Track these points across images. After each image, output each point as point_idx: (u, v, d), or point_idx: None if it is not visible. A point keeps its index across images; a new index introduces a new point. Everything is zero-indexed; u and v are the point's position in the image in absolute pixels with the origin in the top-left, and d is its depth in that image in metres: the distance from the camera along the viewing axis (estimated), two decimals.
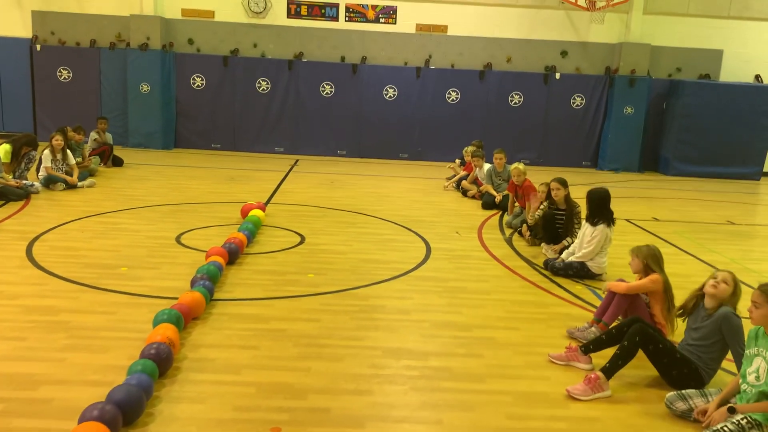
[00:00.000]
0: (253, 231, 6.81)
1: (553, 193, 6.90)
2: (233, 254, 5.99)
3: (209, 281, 5.11)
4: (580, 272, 6.18)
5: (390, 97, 14.38)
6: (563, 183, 6.89)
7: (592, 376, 3.87)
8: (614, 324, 4.44)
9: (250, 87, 14.13)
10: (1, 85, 13.97)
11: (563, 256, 6.41)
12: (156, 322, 4.24)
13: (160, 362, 3.72)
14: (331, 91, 14.26)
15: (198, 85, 14.09)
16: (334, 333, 4.57)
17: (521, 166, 8.38)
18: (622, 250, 4.90)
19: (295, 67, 14.12)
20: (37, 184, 8.73)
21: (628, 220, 9.14)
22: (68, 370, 3.78)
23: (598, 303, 5.37)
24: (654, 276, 4.62)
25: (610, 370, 3.89)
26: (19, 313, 4.56)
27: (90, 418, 3.01)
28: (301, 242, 6.94)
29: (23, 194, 8.23)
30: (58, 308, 4.71)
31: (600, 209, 6.07)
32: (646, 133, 14.56)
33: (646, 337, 3.93)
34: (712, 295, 3.94)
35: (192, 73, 14.03)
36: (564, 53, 14.57)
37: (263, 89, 14.17)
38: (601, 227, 6.06)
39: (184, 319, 4.42)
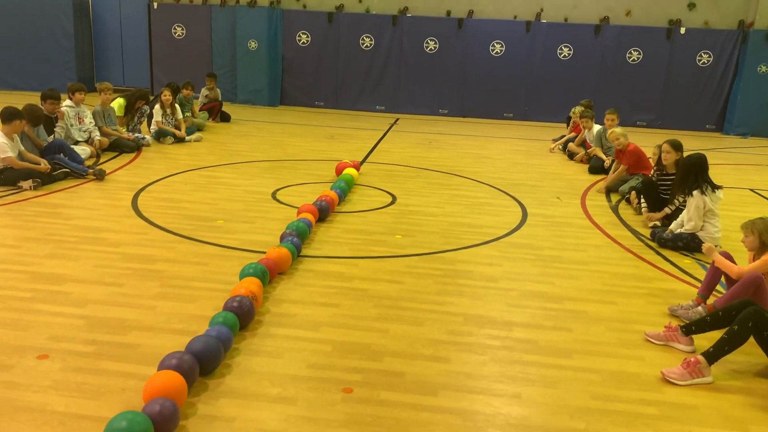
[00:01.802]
0: (345, 189, 6.80)
1: (663, 156, 6.36)
2: (324, 212, 6.01)
3: (297, 238, 5.14)
4: (690, 244, 5.69)
5: (497, 53, 13.83)
6: (675, 146, 6.33)
7: (692, 359, 3.54)
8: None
9: (354, 44, 14.06)
10: (123, 41, 14.74)
11: (672, 227, 5.93)
12: (242, 276, 4.32)
13: (242, 315, 3.78)
14: (435, 47, 13.92)
15: (303, 42, 14.19)
16: (415, 296, 4.47)
17: (618, 129, 7.88)
18: (741, 221, 4.42)
19: (399, 23, 13.87)
20: (148, 137, 9.16)
21: (752, 190, 8.33)
22: (157, 317, 3.93)
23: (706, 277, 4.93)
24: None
25: (713, 356, 3.53)
26: (119, 260, 4.80)
27: (168, 366, 3.10)
28: (393, 203, 6.85)
29: (135, 147, 8.67)
30: (155, 257, 4.91)
31: (689, 176, 5.57)
32: None
33: (761, 322, 3.51)
34: None
35: (298, 30, 14.14)
36: (691, 5, 13.34)
37: (366, 46, 14.06)
38: (695, 194, 5.55)
39: (269, 273, 4.47)
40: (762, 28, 12.90)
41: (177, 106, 9.69)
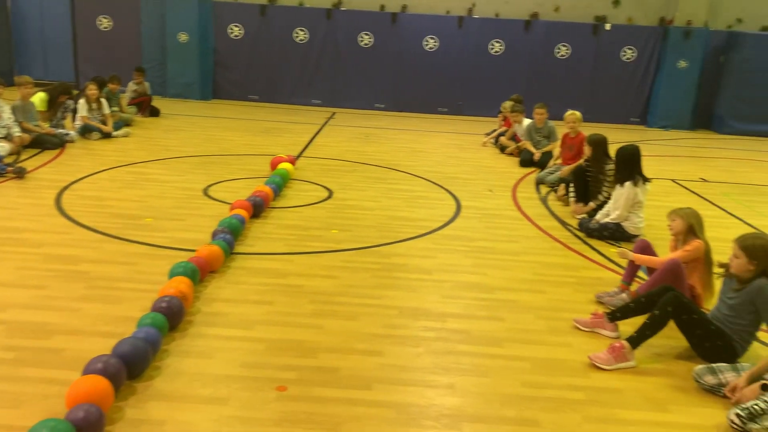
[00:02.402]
0: (280, 184, 6.72)
1: (586, 149, 6.57)
2: (258, 207, 5.92)
3: (230, 235, 5.05)
4: (616, 234, 5.91)
5: (431, 48, 13.94)
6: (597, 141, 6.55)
7: (617, 344, 3.68)
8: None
9: (288, 37, 13.89)
10: (44, 33, 14.09)
11: (598, 217, 6.14)
12: (172, 275, 4.22)
13: (171, 316, 3.69)
14: (370, 42, 13.91)
15: (236, 35, 13.91)
16: (351, 291, 4.47)
17: (578, 113, 7.88)
18: (664, 211, 4.62)
19: (334, 16, 13.78)
20: (72, 133, 8.79)
21: (673, 180, 8.72)
22: (82, 320, 3.79)
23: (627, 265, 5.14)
24: (698, 243, 4.34)
25: (636, 340, 3.68)
26: (42, 262, 4.60)
27: (93, 370, 2.99)
28: (329, 197, 6.83)
29: (58, 143, 8.30)
30: (79, 258, 4.73)
31: (624, 167, 5.77)
32: (700, 89, 13.76)
33: (679, 306, 3.69)
34: (733, 273, 3.67)
35: (230, 22, 13.84)
36: (616, 2, 13.80)
37: (301, 39, 13.91)
38: (627, 186, 5.76)
39: (200, 272, 4.38)
40: (681, 24, 13.48)
41: (103, 100, 9.33)
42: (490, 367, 3.59)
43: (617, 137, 10.92)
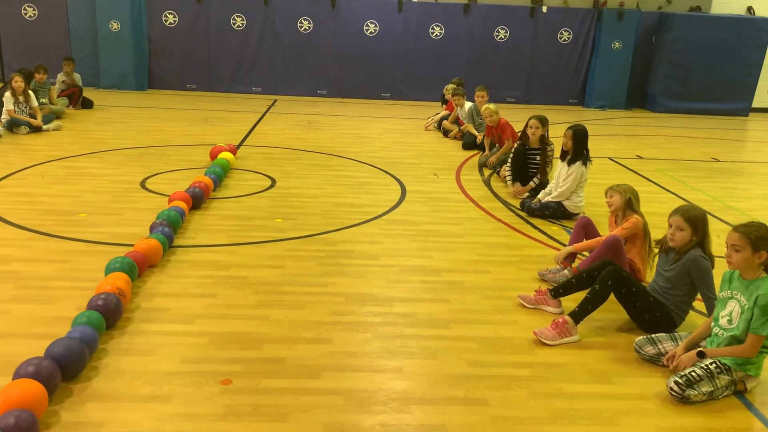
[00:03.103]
0: (220, 174, 6.56)
1: (530, 131, 6.65)
2: (197, 199, 5.77)
3: (169, 227, 4.90)
4: (557, 212, 6.02)
5: (371, 33, 13.85)
6: (543, 122, 6.64)
7: (560, 320, 3.74)
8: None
9: (225, 24, 13.55)
10: None
11: (539, 196, 6.23)
12: (108, 271, 4.06)
13: (108, 313, 3.55)
14: (309, 27, 13.71)
15: (170, 23, 13.49)
16: (297, 280, 4.40)
17: (492, 106, 8.14)
18: (603, 189, 4.71)
19: (271, 2, 13.51)
20: None
21: (610, 158, 8.94)
22: (12, 322, 3.61)
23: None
24: (636, 218, 4.45)
25: (578, 315, 3.75)
26: None
27: (25, 374, 2.85)
28: (272, 186, 6.71)
29: None
30: (8, 257, 4.50)
31: (579, 147, 5.86)
32: (634, 69, 14.16)
33: (619, 280, 3.77)
34: (674, 246, 3.77)
35: (164, 10, 13.40)
36: None
37: (238, 26, 13.60)
38: (576, 165, 5.86)
39: (138, 267, 4.24)
40: (614, 6, 13.79)
41: (30, 93, 8.91)
42: (437, 348, 3.59)
43: (557, 118, 11.15)
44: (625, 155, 9.25)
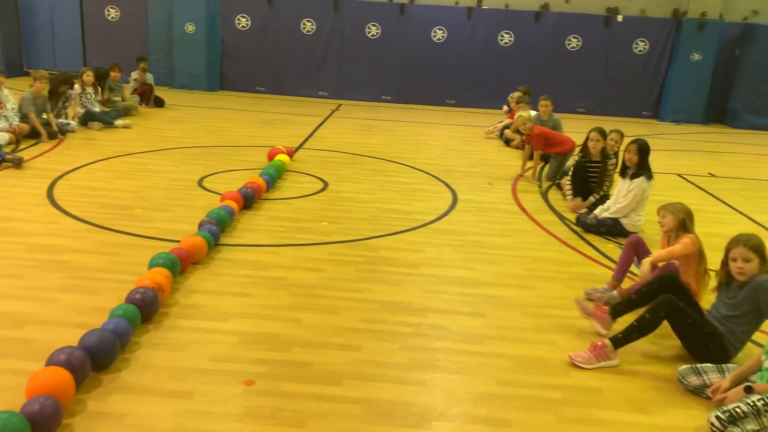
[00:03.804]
0: (274, 176, 6.65)
1: (590, 144, 6.42)
2: (248, 199, 5.86)
3: (216, 226, 4.99)
4: (613, 230, 5.77)
5: (438, 39, 13.79)
6: (603, 134, 6.40)
7: (599, 343, 3.57)
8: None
9: (295, 28, 13.82)
10: (53, 23, 14.13)
11: (596, 212, 6.00)
12: (151, 266, 4.17)
13: (144, 307, 3.63)
14: (377, 33, 13.79)
15: (243, 26, 13.87)
16: (334, 284, 4.39)
17: (525, 113, 7.85)
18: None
19: (341, 7, 13.68)
20: (73, 122, 8.80)
21: (679, 175, 8.53)
22: (56, 310, 3.75)
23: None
24: (692, 238, 4.20)
25: (621, 341, 3.56)
26: (24, 251, 4.57)
27: (57, 362, 2.95)
28: (323, 189, 6.75)
29: (53, 133, 8.25)
30: (62, 247, 4.70)
31: (644, 162, 5.60)
32: (714, 82, 13.49)
33: (673, 312, 3.53)
34: (744, 279, 3.51)
35: (237, 13, 13.79)
36: None
37: (308, 30, 13.83)
38: (638, 180, 5.60)
39: (182, 263, 4.33)
40: (695, 17, 13.20)
41: (97, 86, 9.41)
42: (466, 364, 3.49)
43: (630, 131, 10.69)
44: (696, 172, 8.81)
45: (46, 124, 8.26)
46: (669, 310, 3.54)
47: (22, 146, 7.75)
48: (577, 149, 7.07)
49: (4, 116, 7.95)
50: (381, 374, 3.34)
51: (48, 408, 2.66)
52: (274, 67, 14.06)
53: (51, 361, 2.97)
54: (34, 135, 8.07)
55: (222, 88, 14.13)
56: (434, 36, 13.77)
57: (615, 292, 4.38)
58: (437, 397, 3.19)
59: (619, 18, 13.54)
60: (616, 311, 3.89)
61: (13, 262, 4.37)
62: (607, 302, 4.28)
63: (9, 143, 7.66)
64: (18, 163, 6.79)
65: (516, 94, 10.51)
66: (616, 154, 6.74)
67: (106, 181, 6.53)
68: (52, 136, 8.17)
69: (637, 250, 4.43)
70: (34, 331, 3.50)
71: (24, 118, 8.07)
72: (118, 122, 9.22)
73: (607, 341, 3.56)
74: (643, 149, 5.58)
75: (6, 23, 13.67)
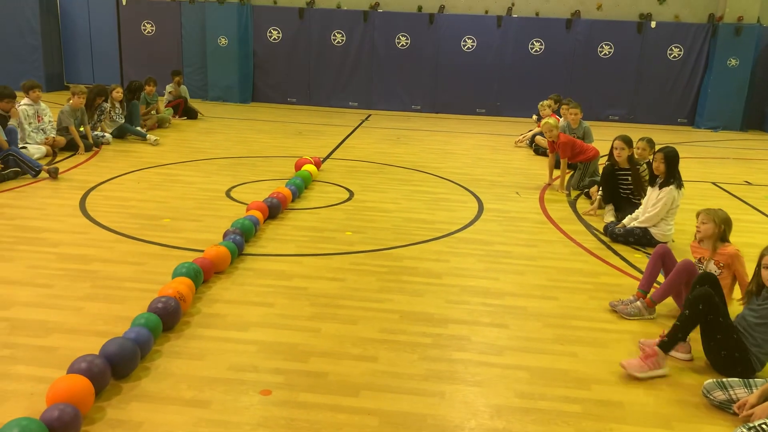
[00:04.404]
0: (300, 186, 6.71)
1: (616, 153, 6.31)
2: (274, 209, 5.92)
3: (240, 236, 5.05)
4: (642, 240, 5.66)
5: (468, 48, 13.78)
6: (628, 143, 6.30)
7: (650, 351, 3.48)
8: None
9: (325, 40, 13.96)
10: (92, 38, 14.55)
11: (625, 221, 5.89)
12: (174, 275, 4.23)
13: (166, 316, 3.69)
14: (407, 43, 13.84)
15: (274, 38, 14.07)
16: (355, 294, 4.40)
17: (551, 120, 7.73)
18: (693, 215, 4.35)
19: (371, 18, 13.78)
20: (108, 135, 9.01)
21: (714, 183, 8.32)
22: (82, 319, 3.84)
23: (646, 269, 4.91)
24: (737, 250, 4.09)
25: (668, 344, 3.48)
26: (54, 261, 4.70)
27: (78, 369, 3.01)
28: (349, 199, 6.78)
29: (89, 145, 8.47)
30: (91, 257, 4.80)
31: (672, 169, 5.48)
32: (752, 87, 13.19)
33: (710, 305, 3.44)
34: None
35: (269, 26, 14.01)
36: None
37: (338, 42, 13.95)
38: (668, 189, 5.47)
39: (205, 273, 4.39)
40: (731, 21, 12.92)
41: (123, 104, 9.64)
42: (485, 376, 3.45)
43: (664, 138, 10.56)
44: (732, 180, 8.59)
45: (83, 137, 8.49)
46: (706, 303, 3.43)
47: (58, 158, 7.97)
48: (604, 158, 6.96)
49: (42, 129, 8.20)
50: (398, 385, 3.32)
51: (67, 415, 2.71)
52: (305, 79, 14.21)
53: (72, 369, 3.03)
54: (70, 147, 8.30)
55: (254, 99, 14.34)
56: (464, 45, 13.75)
57: (639, 303, 4.28)
58: (454, 409, 3.15)
59: (653, 24, 13.33)
60: (665, 344, 3.59)
61: (43, 272, 4.49)
62: (630, 312, 4.20)
63: (46, 155, 7.90)
64: (54, 174, 6.98)
65: (546, 102, 10.41)
66: (649, 163, 6.60)
67: (137, 192, 6.67)
68: (88, 148, 8.39)
69: (665, 260, 4.33)
70: (60, 339, 3.58)
71: (63, 131, 8.31)
72: (149, 138, 9.31)
73: (656, 348, 3.48)
74: (669, 158, 5.46)
75: (48, 39, 14.14)
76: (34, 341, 3.55)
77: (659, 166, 5.51)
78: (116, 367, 3.17)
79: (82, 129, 8.58)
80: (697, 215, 4.27)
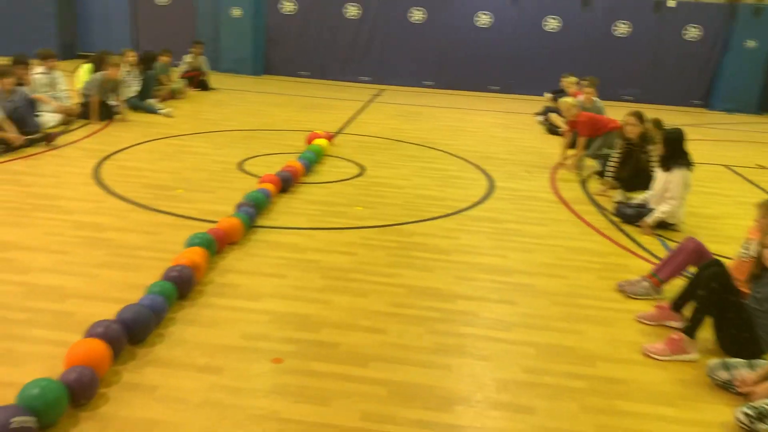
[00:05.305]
0: (312, 160, 6.74)
1: (628, 129, 6.28)
2: (286, 182, 5.96)
3: (253, 208, 5.10)
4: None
5: (483, 24, 13.65)
6: (640, 117, 6.26)
7: (675, 336, 3.52)
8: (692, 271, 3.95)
9: (339, 13, 13.86)
10: (107, 7, 14.49)
11: (639, 198, 5.88)
12: (188, 245, 4.30)
13: (181, 284, 3.76)
14: (421, 18, 13.72)
15: (288, 11, 13.99)
16: (365, 268, 4.45)
17: (570, 99, 7.72)
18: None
19: None
20: (120, 104, 9.03)
21: (726, 166, 8.28)
22: (98, 285, 3.91)
23: (664, 255, 4.93)
24: None
25: (691, 328, 3.52)
26: (70, 228, 4.77)
27: (95, 334, 3.09)
28: (360, 174, 6.81)
29: (111, 115, 8.49)
30: (105, 225, 4.87)
31: (677, 151, 5.46)
32: None
33: (722, 283, 3.49)
34: None
35: None
36: None
37: (352, 15, 13.85)
38: (678, 170, 5.45)
39: (218, 243, 4.45)
40: (751, 1, 12.71)
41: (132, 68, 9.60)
42: (492, 350, 3.51)
43: (678, 120, 10.47)
44: (744, 163, 8.54)
45: (112, 107, 8.48)
46: (719, 281, 3.48)
47: (72, 126, 8.02)
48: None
49: (56, 97, 8.24)
50: (406, 357, 3.39)
51: (85, 377, 2.79)
52: (318, 52, 14.15)
53: (89, 333, 3.11)
54: (85, 116, 8.31)
55: (266, 72, 14.30)
56: (478, 21, 13.63)
57: (645, 283, 4.28)
58: (461, 381, 3.22)
59: (671, 3, 13.14)
60: (677, 304, 3.84)
61: (59, 239, 4.56)
62: (637, 292, 4.23)
63: (60, 123, 7.94)
64: (50, 140, 6.96)
65: (573, 78, 10.27)
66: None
67: (150, 162, 6.73)
68: (106, 117, 8.38)
69: (701, 258, 4.10)
70: (76, 305, 3.66)
71: (86, 98, 8.30)
72: (161, 111, 9.29)
73: (682, 333, 3.52)
74: (670, 139, 5.45)
75: (63, 7, 14.10)
76: (51, 306, 3.64)
77: (660, 148, 5.51)
78: (132, 332, 3.24)
79: (113, 100, 8.56)
80: (759, 208, 3.93)
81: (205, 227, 4.76)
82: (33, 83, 7.97)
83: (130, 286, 3.92)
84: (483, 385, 3.20)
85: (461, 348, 3.52)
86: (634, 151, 6.33)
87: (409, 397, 3.05)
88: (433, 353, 3.45)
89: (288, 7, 13.96)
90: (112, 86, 8.53)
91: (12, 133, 6.67)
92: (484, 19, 13.60)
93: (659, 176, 5.66)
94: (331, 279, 4.25)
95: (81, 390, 2.76)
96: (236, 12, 13.59)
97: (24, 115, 7.07)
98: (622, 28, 13.35)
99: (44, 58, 8.21)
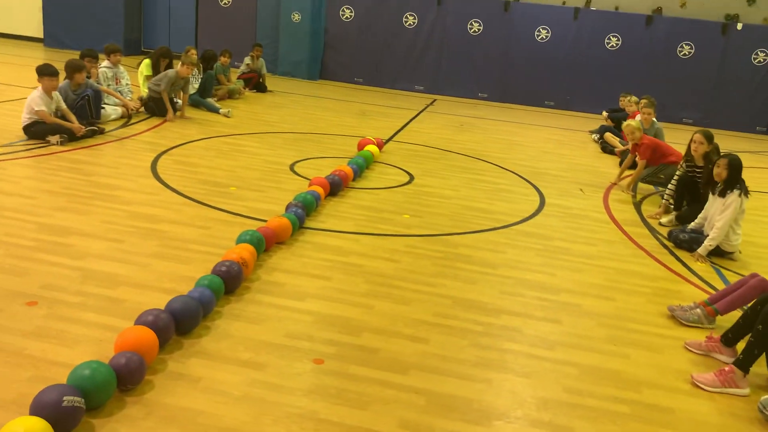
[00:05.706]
0: (361, 165, 6.78)
1: (692, 147, 6.12)
2: (335, 186, 6.02)
3: (302, 209, 5.17)
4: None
5: (542, 38, 13.52)
6: (709, 138, 6.09)
7: (726, 368, 3.41)
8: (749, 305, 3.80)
9: (397, 21, 13.95)
10: (171, 6, 14.95)
11: (691, 225, 5.72)
12: (238, 241, 4.38)
13: (229, 279, 3.83)
14: (479, 29, 13.69)
15: (347, 17, 14.14)
16: (409, 276, 4.45)
17: (633, 122, 7.53)
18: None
19: (444, 2, 13.67)
20: (179, 101, 9.27)
21: None
22: (149, 275, 4.02)
23: (719, 285, 4.79)
24: None
25: (744, 362, 3.39)
26: (126, 218, 4.92)
27: (144, 322, 3.17)
28: (409, 182, 6.82)
29: (179, 113, 8.74)
30: (160, 217, 5.01)
31: (737, 177, 5.30)
32: None
33: None
34: None
35: (342, 4, 14.08)
36: (751, 1, 12.74)
37: (410, 24, 13.92)
38: (733, 195, 5.28)
39: (267, 242, 4.51)
40: None
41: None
42: (534, 368, 3.46)
43: (738, 146, 10.21)
44: None
45: (175, 103, 8.74)
46: None
47: (133, 120, 8.28)
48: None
49: (119, 91, 8.52)
50: (446, 368, 3.37)
51: (133, 363, 2.86)
52: (374, 59, 14.26)
53: (139, 321, 3.20)
54: (152, 110, 8.55)
55: (322, 77, 14.48)
56: (537, 35, 13.51)
57: (699, 310, 4.16)
58: (501, 397, 3.18)
59: (739, 26, 12.77)
60: (728, 338, 3.72)
61: (115, 227, 4.71)
62: (689, 318, 4.11)
63: (121, 117, 8.21)
64: (91, 134, 7.16)
65: (632, 98, 10.09)
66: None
67: (206, 159, 6.89)
68: (165, 113, 8.63)
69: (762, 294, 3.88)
70: (127, 292, 3.77)
71: (152, 92, 8.56)
72: (222, 110, 9.47)
73: (733, 366, 3.41)
74: (734, 165, 5.29)
75: (130, 5, 14.60)
76: (104, 291, 3.75)
77: (721, 173, 5.35)
78: (180, 323, 3.32)
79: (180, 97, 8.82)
80: None
81: (254, 225, 4.86)
82: (98, 76, 8.28)
83: (180, 277, 4.01)
84: (523, 401, 3.15)
85: (503, 363, 3.48)
86: (696, 178, 6.16)
87: (448, 408, 3.03)
88: (474, 366, 3.42)
89: (347, 13, 14.11)
90: (182, 84, 8.78)
91: (75, 124, 6.93)
92: (543, 33, 13.47)
93: (713, 201, 5.50)
94: (374, 284, 4.26)
95: (129, 375, 2.84)
96: (296, 16, 13.82)
97: (90, 106, 7.33)
98: (686, 49, 13.03)
99: (110, 53, 8.51)
